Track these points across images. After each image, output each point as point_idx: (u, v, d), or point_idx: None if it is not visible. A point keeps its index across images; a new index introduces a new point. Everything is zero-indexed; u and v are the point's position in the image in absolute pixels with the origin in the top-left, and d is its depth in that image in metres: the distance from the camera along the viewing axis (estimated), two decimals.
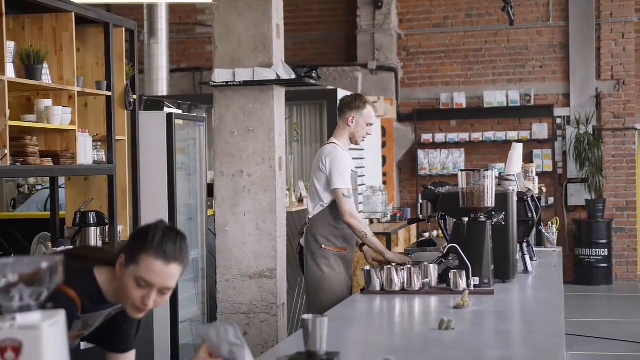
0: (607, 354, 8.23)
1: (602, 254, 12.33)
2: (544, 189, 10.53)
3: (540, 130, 12.72)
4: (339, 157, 5.20)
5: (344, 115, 5.35)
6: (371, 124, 5.35)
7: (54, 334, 1.73)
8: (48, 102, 5.04)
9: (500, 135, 12.76)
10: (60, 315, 1.77)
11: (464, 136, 12.90)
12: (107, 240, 5.61)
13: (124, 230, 5.86)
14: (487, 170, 4.42)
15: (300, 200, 8.45)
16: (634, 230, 12.72)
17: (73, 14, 5.18)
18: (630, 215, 12.70)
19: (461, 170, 4.45)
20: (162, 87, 10.67)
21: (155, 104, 6.61)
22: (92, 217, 5.42)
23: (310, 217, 5.33)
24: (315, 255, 5.25)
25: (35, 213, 7.04)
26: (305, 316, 2.72)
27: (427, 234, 12.33)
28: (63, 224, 5.68)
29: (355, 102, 5.34)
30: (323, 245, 5.23)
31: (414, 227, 10.99)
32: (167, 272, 2.60)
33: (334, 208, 5.20)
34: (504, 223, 4.51)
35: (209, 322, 3.07)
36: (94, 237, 5.41)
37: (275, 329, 5.79)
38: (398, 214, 10.69)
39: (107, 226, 5.57)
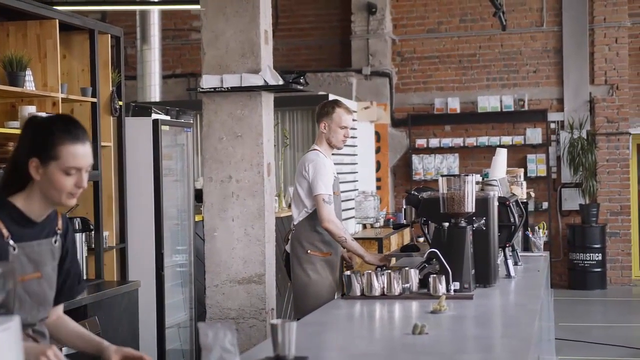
0: (600, 358, 8.23)
1: (596, 259, 12.33)
2: (532, 194, 10.54)
3: (534, 135, 12.73)
4: (321, 163, 5.27)
5: (318, 122, 5.47)
6: (345, 127, 5.40)
7: (6, 339, 1.75)
8: (32, 108, 5.06)
9: (495, 140, 12.77)
10: (14, 321, 1.78)
11: (458, 141, 12.91)
12: (92, 246, 5.62)
13: (109, 237, 5.87)
14: (468, 175, 4.43)
15: (290, 206, 8.47)
16: (627, 234, 12.73)
17: (57, 21, 5.20)
18: (624, 219, 12.70)
19: (442, 176, 4.46)
20: (154, 93, 10.70)
21: (144, 110, 6.62)
22: (77, 223, 5.43)
23: (295, 223, 5.41)
24: (301, 260, 5.30)
25: None
26: (274, 321, 2.74)
27: (421, 239, 12.33)
28: None
29: (324, 108, 5.45)
30: (309, 251, 5.30)
31: (407, 232, 10.99)
32: (87, 151, 2.73)
33: None
34: (484, 228, 4.52)
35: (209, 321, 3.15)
36: (80, 243, 5.42)
37: (264, 334, 5.80)
38: (391, 219, 10.69)
39: (92, 232, 5.58)
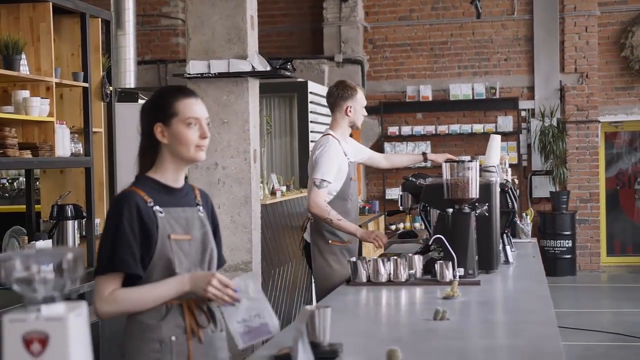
0: (573, 343, 8.32)
1: (566, 245, 12.48)
2: (517, 180, 10.64)
3: (506, 122, 12.82)
4: (328, 148, 5.18)
5: (340, 107, 5.36)
6: (364, 105, 5.46)
7: (79, 324, 1.71)
8: (26, 93, 4.96)
9: (466, 127, 12.84)
10: (83, 307, 1.75)
11: (430, 129, 12.96)
12: (84, 233, 5.53)
13: (101, 224, 5.79)
14: (471, 161, 4.43)
15: (273, 193, 8.42)
16: (597, 221, 12.89)
17: (50, 4, 5.10)
18: (594, 206, 12.86)
19: (445, 162, 4.45)
20: (129, 79, 10.54)
21: (130, 95, 6.54)
22: (69, 210, 5.34)
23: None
24: (323, 251, 5.20)
25: (9, 207, 6.93)
26: (309, 307, 2.71)
27: (393, 227, 12.38)
28: (38, 217, 5.60)
29: (347, 91, 5.35)
30: (330, 241, 5.20)
31: (382, 219, 11.03)
32: (200, 103, 2.92)
33: (337, 201, 5.16)
34: (487, 214, 4.53)
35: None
36: (72, 230, 5.34)
37: None
38: (367, 207, 10.72)
39: (84, 219, 5.50)
